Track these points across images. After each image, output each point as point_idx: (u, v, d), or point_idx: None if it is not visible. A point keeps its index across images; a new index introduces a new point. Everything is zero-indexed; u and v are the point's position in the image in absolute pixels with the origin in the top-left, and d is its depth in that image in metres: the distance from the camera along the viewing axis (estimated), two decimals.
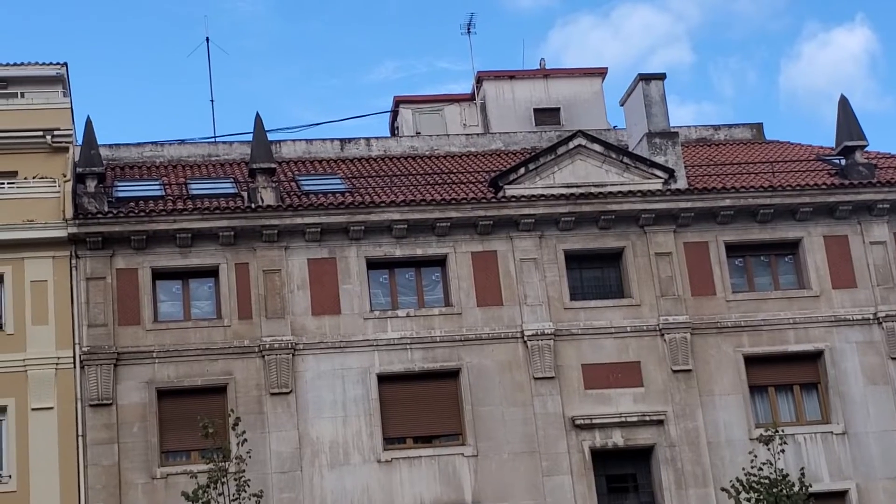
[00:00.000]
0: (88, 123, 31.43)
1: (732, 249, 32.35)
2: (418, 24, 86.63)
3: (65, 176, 30.78)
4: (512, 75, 41.91)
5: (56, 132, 31.42)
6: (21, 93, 33.61)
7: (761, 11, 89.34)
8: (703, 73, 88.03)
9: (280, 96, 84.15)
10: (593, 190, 31.95)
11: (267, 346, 29.77)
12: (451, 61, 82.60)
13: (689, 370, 30.97)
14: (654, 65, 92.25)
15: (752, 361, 31.38)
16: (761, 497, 26.98)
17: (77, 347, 29.37)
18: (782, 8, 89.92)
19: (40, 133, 31.32)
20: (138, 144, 36.57)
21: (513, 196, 31.55)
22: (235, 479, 26.08)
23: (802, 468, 28.91)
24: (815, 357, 31.77)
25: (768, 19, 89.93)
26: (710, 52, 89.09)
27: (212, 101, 42.01)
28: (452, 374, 30.46)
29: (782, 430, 28.36)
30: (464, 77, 78.68)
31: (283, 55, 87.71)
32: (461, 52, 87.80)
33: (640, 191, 31.90)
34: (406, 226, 30.96)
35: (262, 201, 30.93)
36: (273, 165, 31.86)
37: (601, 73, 42.54)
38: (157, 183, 33.64)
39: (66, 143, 31.54)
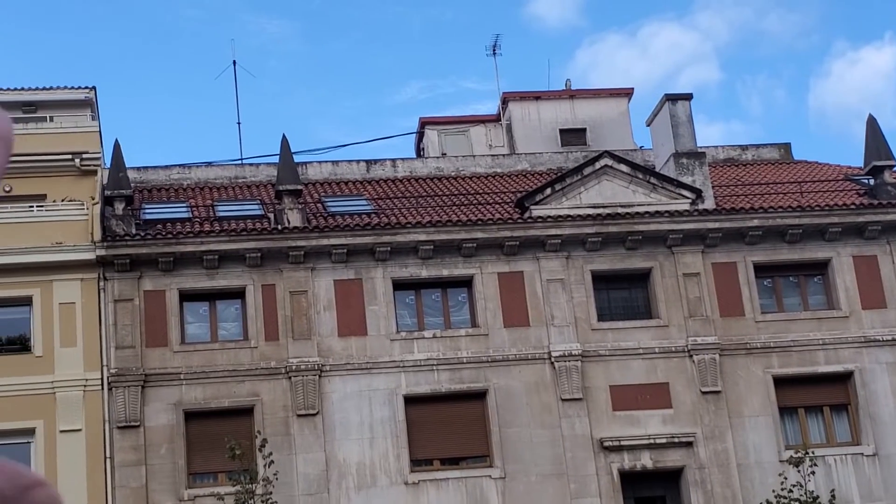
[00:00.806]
0: (116, 146, 31.58)
1: (761, 270, 32.17)
2: (443, 45, 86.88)
3: (93, 199, 30.90)
4: (538, 96, 41.88)
5: (84, 155, 31.56)
6: (50, 116, 33.80)
7: (790, 30, 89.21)
8: (731, 92, 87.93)
9: (306, 117, 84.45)
10: (620, 210, 31.84)
11: (293, 367, 29.76)
12: (477, 81, 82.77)
13: (719, 391, 30.79)
14: (681, 83, 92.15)
15: (781, 382, 31.17)
16: None
17: (105, 369, 29.43)
18: (811, 26, 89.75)
19: (69, 156, 31.46)
20: (166, 167, 36.70)
21: (539, 217, 31.48)
22: (262, 501, 26.04)
23: (833, 490, 28.68)
24: (845, 378, 31.54)
25: (797, 37, 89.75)
26: (738, 70, 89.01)
27: (238, 123, 41.98)
28: (479, 396, 30.36)
29: (812, 452, 28.15)
30: (489, 96, 78.75)
31: (308, 76, 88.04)
32: (487, 71, 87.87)
33: (667, 211, 31.79)
34: (432, 247, 30.93)
35: (289, 223, 30.97)
36: (299, 187, 31.92)
37: (627, 93, 42.48)
38: (184, 205, 33.74)
39: (94, 166, 31.69)
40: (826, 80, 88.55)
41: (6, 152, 1.13)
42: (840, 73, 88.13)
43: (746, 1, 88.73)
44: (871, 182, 34.14)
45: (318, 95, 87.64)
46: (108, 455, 28.87)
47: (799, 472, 27.56)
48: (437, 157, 39.16)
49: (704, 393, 30.74)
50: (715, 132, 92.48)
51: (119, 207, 30.94)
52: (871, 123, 34.63)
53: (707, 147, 37.19)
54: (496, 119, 42.20)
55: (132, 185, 32.86)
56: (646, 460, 30.23)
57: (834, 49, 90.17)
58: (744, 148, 39.91)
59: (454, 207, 33.07)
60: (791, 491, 27.29)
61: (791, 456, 28.05)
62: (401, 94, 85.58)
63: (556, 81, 52.95)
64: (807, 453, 27.56)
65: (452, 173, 37.50)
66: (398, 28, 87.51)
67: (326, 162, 37.62)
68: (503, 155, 39.14)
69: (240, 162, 37.77)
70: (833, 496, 27.83)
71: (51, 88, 34.60)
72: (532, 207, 31.93)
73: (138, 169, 35.86)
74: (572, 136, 41.11)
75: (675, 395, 30.75)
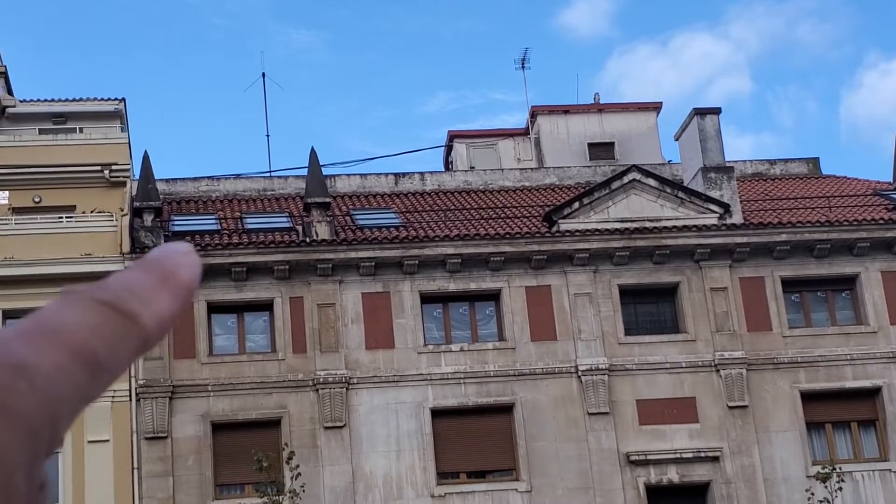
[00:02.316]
0: (146, 158, 31.76)
1: (789, 285, 32.09)
2: (472, 56, 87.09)
3: (122, 210, 31.10)
4: (566, 110, 41.94)
5: (114, 167, 31.78)
6: (80, 128, 34.06)
7: (822, 40, 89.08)
8: (762, 103, 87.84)
9: (335, 128, 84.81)
10: (648, 225, 31.84)
11: (321, 379, 29.85)
12: (505, 92, 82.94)
13: (745, 406, 30.71)
14: (712, 94, 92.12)
15: (808, 398, 31.07)
16: None
17: (133, 380, 29.57)
18: (843, 37, 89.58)
19: (98, 168, 31.68)
20: (194, 179, 36.89)
21: (567, 231, 31.51)
22: None
23: None
24: (873, 393, 31.41)
25: (829, 48, 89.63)
26: (769, 81, 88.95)
27: (267, 135, 42.26)
28: (506, 409, 30.38)
29: (839, 468, 28.05)
30: (518, 108, 78.80)
31: (337, 87, 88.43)
32: (515, 82, 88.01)
33: (695, 225, 31.76)
34: (460, 260, 30.99)
35: (317, 235, 31.08)
36: (328, 200, 32.04)
37: (656, 107, 42.49)
38: (212, 217, 33.91)
39: (123, 177, 31.89)
40: (857, 91, 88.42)
41: (187, 298, 0.89)
42: (872, 85, 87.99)
43: (778, 11, 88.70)
44: None
45: (346, 107, 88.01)
46: (135, 466, 29.01)
47: (826, 487, 27.48)
48: (466, 171, 39.26)
49: (731, 408, 30.67)
50: (746, 144, 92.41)
51: (148, 219, 31.12)
52: None
53: (735, 161, 37.14)
54: (524, 133, 42.26)
55: (161, 196, 33.06)
56: (672, 475, 30.18)
57: (866, 60, 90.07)
58: (772, 162, 39.86)
59: (482, 221, 33.13)
60: None
61: (818, 471, 27.96)
62: (429, 105, 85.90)
63: (585, 92, 52.94)
64: (834, 469, 27.47)
65: (480, 187, 37.59)
66: (427, 39, 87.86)
67: (355, 175, 37.76)
68: (531, 169, 39.21)
69: (268, 174, 37.96)
70: None
71: (80, 100, 34.87)
72: (560, 221, 31.96)
73: (167, 181, 36.06)
74: (600, 149, 41.15)
75: (701, 410, 30.70)
